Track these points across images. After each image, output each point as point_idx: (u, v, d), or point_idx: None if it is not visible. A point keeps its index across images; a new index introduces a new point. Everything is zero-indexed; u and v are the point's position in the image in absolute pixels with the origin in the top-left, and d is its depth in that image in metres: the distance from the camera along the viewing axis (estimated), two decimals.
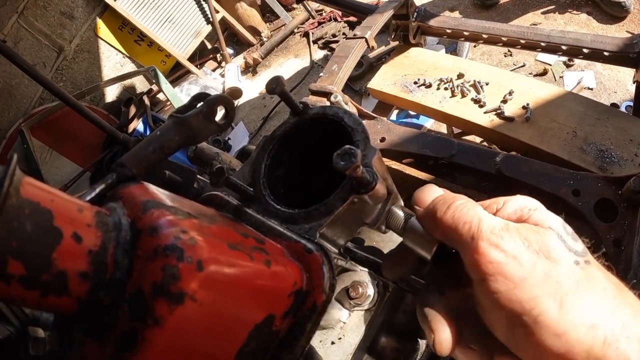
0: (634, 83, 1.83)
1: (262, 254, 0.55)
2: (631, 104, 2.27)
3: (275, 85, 0.63)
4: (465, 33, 2.11)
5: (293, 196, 0.69)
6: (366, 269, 0.77)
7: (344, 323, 0.76)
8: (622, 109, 2.61)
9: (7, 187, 0.39)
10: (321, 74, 1.94)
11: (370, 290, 0.75)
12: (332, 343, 0.76)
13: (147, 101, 3.96)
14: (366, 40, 2.00)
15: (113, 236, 0.49)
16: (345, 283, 0.74)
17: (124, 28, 4.19)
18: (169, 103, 4.13)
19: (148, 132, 3.74)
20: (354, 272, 0.77)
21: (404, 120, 3.00)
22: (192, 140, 0.62)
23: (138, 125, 3.97)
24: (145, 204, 0.52)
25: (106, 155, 3.77)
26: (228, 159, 1.09)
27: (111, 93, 4.31)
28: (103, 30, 4.13)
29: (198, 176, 0.92)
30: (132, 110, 4.04)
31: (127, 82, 4.36)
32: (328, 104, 1.76)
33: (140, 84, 4.47)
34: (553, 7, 3.48)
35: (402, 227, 0.63)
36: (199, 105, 0.62)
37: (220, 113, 0.64)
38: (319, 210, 0.60)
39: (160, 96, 4.25)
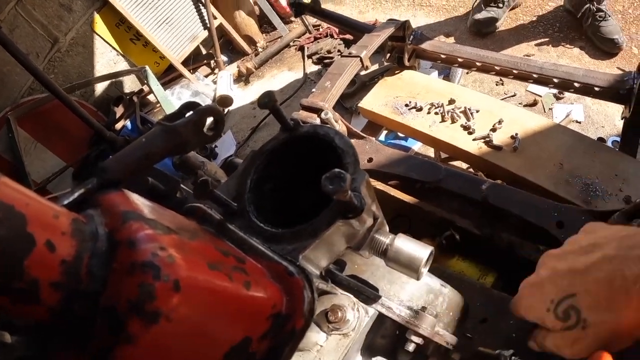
0: (622, 119, 1.86)
1: (242, 275, 0.54)
2: (618, 139, 2.31)
3: (267, 100, 0.62)
4: (459, 59, 2.13)
5: (279, 212, 0.68)
6: (347, 293, 0.76)
7: (321, 346, 0.74)
8: (609, 143, 2.65)
9: None
10: (313, 90, 1.93)
11: (350, 315, 0.74)
12: None
13: (137, 101, 3.93)
14: (361, 60, 2.00)
15: (89, 246, 0.48)
16: (324, 306, 0.73)
17: (120, 25, 4.16)
18: (158, 105, 4.10)
19: (136, 133, 3.71)
20: (334, 295, 0.75)
21: (392, 141, 3.01)
22: (180, 150, 0.60)
23: (126, 124, 3.93)
24: (125, 214, 0.50)
25: (91, 152, 3.73)
26: (213, 169, 1.07)
27: (101, 90, 4.26)
28: (100, 25, 4.09)
29: (182, 185, 0.91)
30: (121, 109, 4.01)
31: (119, 80, 4.32)
32: (318, 120, 1.76)
33: (132, 83, 4.43)
34: (547, 39, 3.55)
35: (385, 253, 0.62)
36: (188, 114, 0.60)
37: (209, 123, 0.62)
38: (303, 232, 0.59)
39: (151, 97, 4.22)
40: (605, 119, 2.91)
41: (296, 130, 0.67)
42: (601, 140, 2.63)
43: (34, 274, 0.43)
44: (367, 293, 0.72)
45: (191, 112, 0.59)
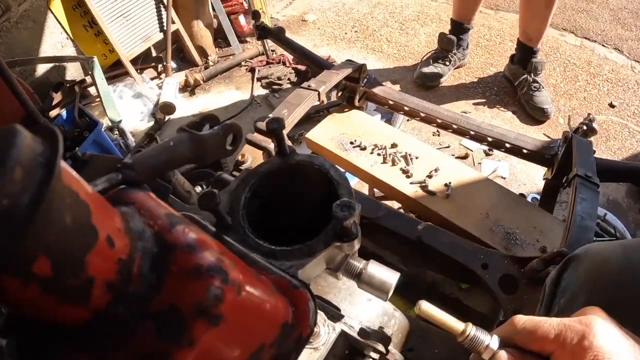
0: (543, 179, 2.07)
1: (264, 285, 0.57)
2: (537, 196, 2.52)
3: (276, 125, 0.69)
4: (406, 108, 2.29)
5: (264, 227, 0.74)
6: (319, 310, 0.83)
7: None
8: (529, 199, 2.88)
9: (58, 167, 0.34)
10: (270, 115, 1.99)
11: (323, 330, 0.81)
12: None
13: (78, 91, 3.77)
14: (319, 94, 2.09)
15: (140, 246, 0.46)
16: None
17: (77, 9, 3.98)
18: (98, 99, 3.94)
19: (71, 123, 3.55)
20: None
21: None
22: (200, 160, 0.64)
23: (61, 113, 3.76)
24: (170, 217, 0.50)
25: None
26: (182, 179, 1.11)
27: (43, 72, 4.03)
28: (56, 3, 3.88)
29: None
30: (59, 96, 3.82)
31: (62, 65, 4.13)
32: (272, 145, 1.82)
33: (75, 71, 4.25)
34: (484, 100, 3.81)
35: (359, 276, 0.71)
36: (206, 125, 0.64)
37: (229, 139, 0.67)
38: (301, 250, 0.66)
39: (92, 90, 4.06)
40: (527, 178, 3.17)
41: (291, 157, 0.75)
42: (522, 195, 2.85)
43: (92, 271, 0.40)
44: (331, 312, 0.80)
45: (216, 126, 0.64)
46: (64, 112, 3.77)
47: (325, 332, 0.82)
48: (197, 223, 0.65)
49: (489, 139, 2.10)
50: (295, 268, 0.64)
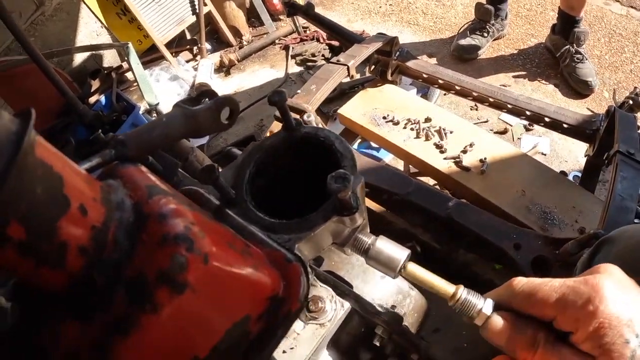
0: (585, 156, 1.97)
1: (249, 257, 0.57)
2: (579, 174, 2.42)
3: (277, 98, 0.66)
4: (440, 81, 2.22)
5: (270, 203, 0.72)
6: (326, 286, 0.82)
7: (298, 334, 0.79)
8: (570, 177, 2.77)
9: (26, 142, 0.37)
10: (298, 91, 1.97)
11: (328, 306, 0.80)
12: (284, 352, 0.79)
13: (115, 77, 3.86)
14: (348, 68, 2.05)
15: (116, 215, 0.48)
16: None
17: None
18: (135, 84, 4.03)
19: (109, 109, 3.64)
20: (313, 287, 0.81)
21: (364, 150, 3.07)
22: (195, 134, 0.64)
23: (100, 99, 3.86)
24: (150, 188, 0.52)
25: (59, 122, 3.63)
26: (201, 155, 1.10)
27: (80, 61, 4.15)
28: None
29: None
30: (97, 83, 3.92)
31: (98, 53, 4.23)
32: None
33: (112, 58, 4.35)
34: (524, 73, 3.67)
35: (367, 252, 0.68)
36: (207, 101, 0.63)
37: (225, 113, 0.66)
38: (300, 224, 0.63)
39: (129, 75, 4.15)
40: (569, 154, 3.04)
41: (298, 131, 0.72)
42: (563, 173, 2.74)
43: (64, 236, 0.43)
44: (342, 288, 0.78)
45: (210, 100, 0.63)
46: (102, 98, 3.87)
47: (332, 309, 0.80)
48: (200, 197, 0.66)
49: (527, 112, 2.01)
50: (293, 242, 0.63)
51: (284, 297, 0.60)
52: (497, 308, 0.64)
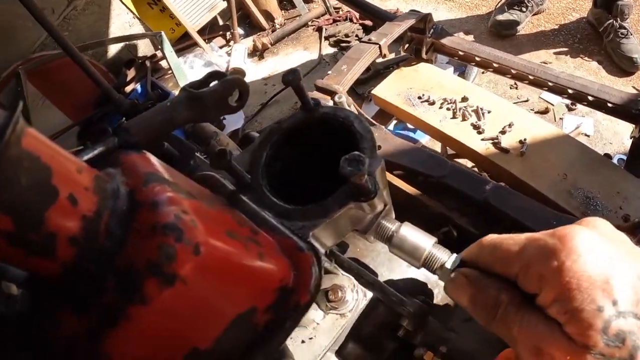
0: (630, 138, 1.86)
1: (255, 245, 0.54)
2: (624, 157, 2.30)
3: (291, 77, 0.62)
4: (477, 58, 2.12)
5: (287, 188, 0.69)
6: (347, 275, 0.78)
7: (317, 324, 0.76)
8: (615, 160, 2.64)
9: (8, 135, 0.37)
10: (329, 72, 1.93)
11: (349, 296, 0.76)
12: (302, 342, 0.76)
13: (149, 66, 3.91)
14: (380, 47, 1.99)
15: (109, 204, 0.47)
16: (325, 285, 0.74)
17: None
18: (170, 72, 4.07)
19: (145, 97, 3.70)
20: (335, 275, 0.77)
21: (400, 131, 3.01)
22: (202, 118, 0.61)
23: (136, 88, 3.92)
24: (147, 176, 0.50)
25: (97, 113, 3.71)
26: (225, 140, 1.07)
27: (114, 52, 4.23)
28: None
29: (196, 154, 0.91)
30: (132, 72, 3.99)
31: (132, 43, 4.29)
32: (331, 103, 1.76)
33: (145, 47, 4.41)
34: (566, 49, 3.52)
35: (390, 240, 0.63)
36: (214, 83, 0.60)
37: (234, 95, 0.63)
38: (315, 210, 0.59)
39: (163, 63, 4.21)
40: (613, 136, 2.91)
41: (316, 111, 0.68)
42: (607, 156, 2.62)
43: (53, 226, 0.43)
44: (366, 277, 0.74)
45: (218, 82, 0.60)
46: (138, 87, 3.95)
47: (353, 299, 0.76)
48: (216, 182, 0.63)
49: (569, 90, 1.90)
50: (307, 229, 0.59)
51: (293, 288, 0.57)
52: (464, 265, 0.58)
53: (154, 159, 0.56)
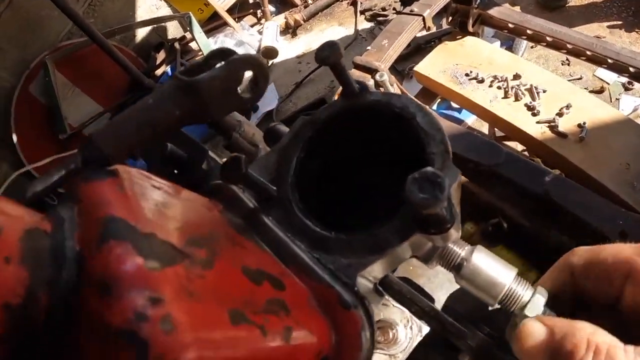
0: None
1: (279, 317, 0.37)
2: None
3: (328, 54, 0.46)
4: (529, 32, 1.98)
5: (320, 199, 0.52)
6: (400, 307, 0.62)
7: None
8: None
9: None
10: (368, 48, 1.82)
11: (402, 334, 0.60)
12: None
13: (178, 48, 3.83)
14: (424, 19, 1.86)
15: (47, 275, 0.31)
16: None
17: None
18: (200, 53, 4.00)
19: None
20: (384, 307, 0.62)
21: (444, 111, 2.84)
22: (201, 116, 0.43)
23: (166, 71, 3.87)
24: (106, 224, 0.33)
25: (128, 98, 3.67)
26: (251, 130, 0.91)
27: (142, 36, 4.15)
28: None
29: (210, 153, 0.75)
30: (162, 55, 3.92)
31: (161, 26, 4.21)
32: (372, 82, 1.61)
33: (174, 29, 4.32)
34: (620, 22, 3.28)
35: (458, 269, 0.47)
36: (217, 66, 0.43)
37: (247, 81, 0.45)
38: (365, 242, 0.43)
39: (193, 45, 4.11)
40: None
41: (362, 98, 0.50)
42: None
43: None
44: (422, 304, 0.56)
45: (221, 63, 0.42)
46: (168, 70, 3.89)
47: (407, 337, 0.60)
48: (232, 196, 0.47)
49: (631, 69, 1.74)
50: (354, 269, 0.42)
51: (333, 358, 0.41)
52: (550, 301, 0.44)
53: (128, 185, 0.38)
